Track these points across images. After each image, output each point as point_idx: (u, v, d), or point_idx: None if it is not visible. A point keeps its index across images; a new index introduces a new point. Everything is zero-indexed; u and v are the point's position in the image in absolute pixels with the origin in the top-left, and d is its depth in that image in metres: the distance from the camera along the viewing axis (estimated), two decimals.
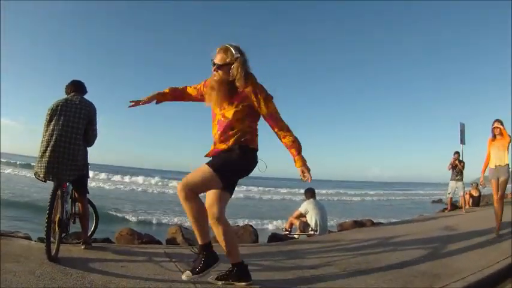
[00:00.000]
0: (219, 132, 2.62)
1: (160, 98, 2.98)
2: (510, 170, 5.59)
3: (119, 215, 11.57)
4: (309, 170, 2.61)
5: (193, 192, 2.49)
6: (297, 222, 6.42)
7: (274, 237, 5.41)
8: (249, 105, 2.61)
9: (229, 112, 2.60)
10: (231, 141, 2.58)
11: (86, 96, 3.74)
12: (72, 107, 3.48)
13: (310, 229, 6.15)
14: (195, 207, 2.49)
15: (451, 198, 10.27)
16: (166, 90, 2.98)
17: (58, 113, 3.42)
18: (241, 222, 8.81)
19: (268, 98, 2.65)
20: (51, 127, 3.37)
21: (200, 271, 2.57)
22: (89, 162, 3.70)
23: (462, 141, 10.64)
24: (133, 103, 2.95)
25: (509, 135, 5.61)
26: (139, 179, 31.18)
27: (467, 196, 10.46)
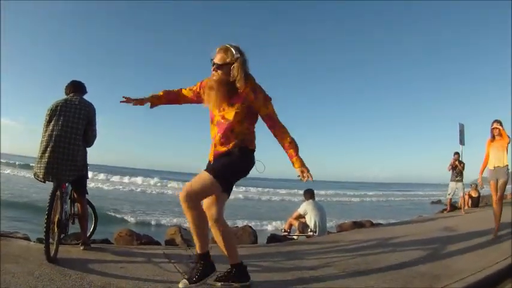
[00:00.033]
0: (219, 134, 2.61)
1: (154, 101, 2.90)
2: (509, 171, 5.58)
3: (117, 215, 11.56)
4: (308, 170, 2.61)
5: (195, 200, 2.49)
6: (296, 223, 6.42)
7: (273, 238, 5.40)
8: (248, 106, 2.61)
9: (230, 114, 2.59)
10: (232, 143, 2.58)
11: (85, 97, 3.74)
12: (72, 107, 3.48)
13: (309, 230, 6.14)
14: (197, 215, 2.50)
15: (451, 199, 10.29)
16: (161, 93, 2.90)
17: (57, 113, 3.42)
18: (240, 223, 8.79)
19: (268, 99, 2.65)
20: (51, 127, 3.37)
21: (197, 280, 2.56)
22: (88, 162, 3.69)
23: (461, 142, 10.65)
24: (125, 99, 2.85)
25: (508, 136, 5.58)
26: (138, 180, 31.11)
27: (466, 197, 10.47)
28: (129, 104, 2.83)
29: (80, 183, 3.64)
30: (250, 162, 2.67)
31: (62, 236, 3.38)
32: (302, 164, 2.61)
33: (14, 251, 3.24)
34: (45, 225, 3.02)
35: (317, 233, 6.05)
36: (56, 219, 3.20)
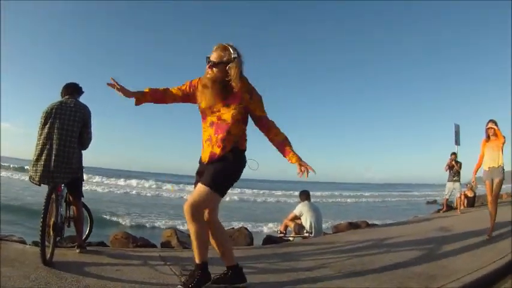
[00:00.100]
0: (217, 135, 2.58)
1: (139, 97, 2.73)
2: (504, 171, 5.60)
3: (113, 218, 11.52)
4: (306, 163, 2.61)
5: (198, 212, 2.51)
6: (291, 225, 6.41)
7: (269, 240, 5.41)
8: (244, 107, 2.62)
9: (227, 115, 2.58)
10: (229, 146, 2.57)
11: (82, 98, 3.74)
12: (67, 110, 3.47)
13: (305, 231, 6.15)
14: (200, 227, 2.52)
15: (447, 199, 10.33)
16: (146, 90, 2.75)
17: (53, 116, 3.41)
18: (236, 225, 8.78)
19: (261, 99, 2.69)
20: (46, 130, 3.36)
21: None
22: (83, 165, 3.68)
23: (457, 142, 10.75)
24: (112, 82, 2.65)
25: (503, 136, 5.60)
26: (133, 182, 30.98)
27: (462, 197, 10.51)
28: (113, 89, 2.66)
29: (75, 186, 3.63)
30: (242, 163, 2.68)
31: (57, 239, 3.36)
32: (299, 159, 2.61)
33: (10, 255, 3.22)
34: (40, 228, 3.01)
35: (313, 234, 6.06)
36: (52, 222, 3.19)
